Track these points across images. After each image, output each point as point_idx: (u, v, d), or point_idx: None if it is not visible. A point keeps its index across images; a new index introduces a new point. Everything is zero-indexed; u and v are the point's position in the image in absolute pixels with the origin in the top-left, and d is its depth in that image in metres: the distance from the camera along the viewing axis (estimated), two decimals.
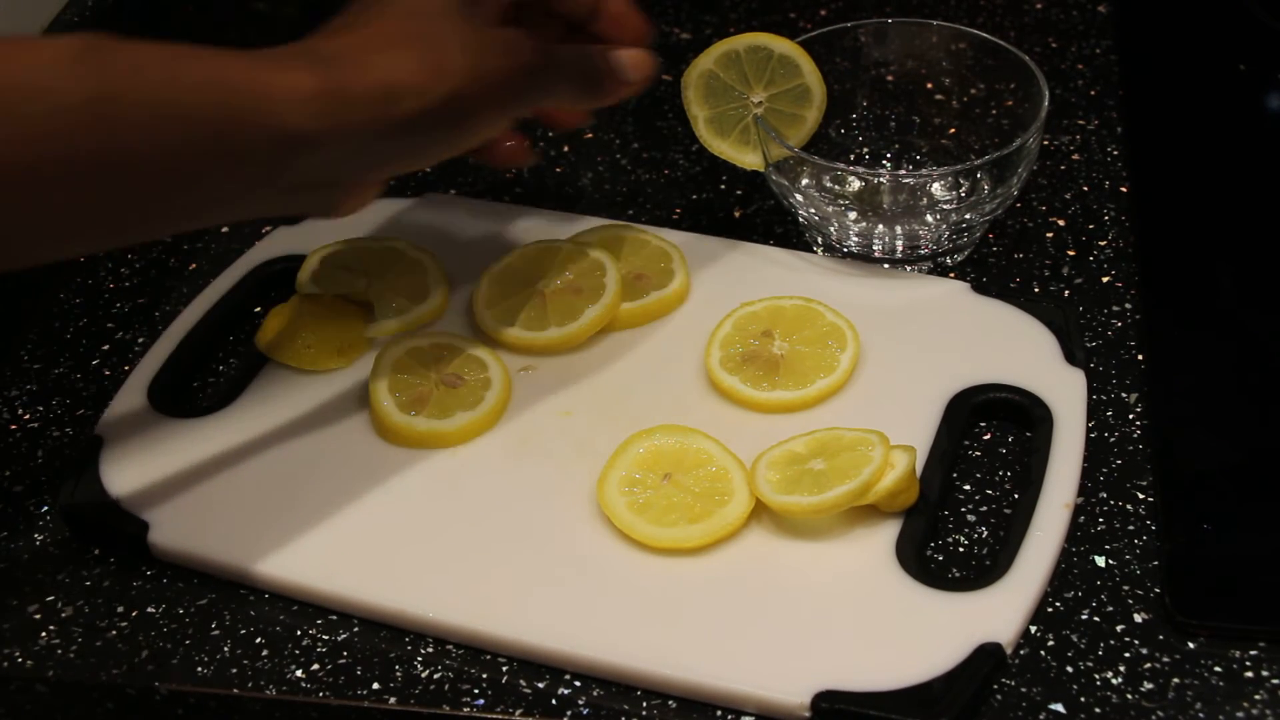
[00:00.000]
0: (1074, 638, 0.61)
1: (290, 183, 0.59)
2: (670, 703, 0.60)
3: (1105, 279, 0.77)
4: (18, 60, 0.51)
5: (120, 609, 0.65)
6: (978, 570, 0.64)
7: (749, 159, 0.77)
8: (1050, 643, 0.61)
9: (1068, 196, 0.83)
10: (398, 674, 0.62)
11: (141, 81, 0.54)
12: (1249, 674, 0.59)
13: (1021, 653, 0.61)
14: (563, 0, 0.70)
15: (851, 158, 0.83)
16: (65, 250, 0.58)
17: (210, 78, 0.56)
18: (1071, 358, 0.71)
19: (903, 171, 0.82)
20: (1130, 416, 0.70)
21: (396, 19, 0.61)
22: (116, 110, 0.53)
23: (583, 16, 0.70)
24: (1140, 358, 0.73)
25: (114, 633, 0.64)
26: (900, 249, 0.77)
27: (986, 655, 0.59)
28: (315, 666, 0.62)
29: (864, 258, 0.78)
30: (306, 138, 0.57)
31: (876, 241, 0.77)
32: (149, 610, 0.65)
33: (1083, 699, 0.59)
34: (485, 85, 0.62)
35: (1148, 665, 0.60)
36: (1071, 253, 0.79)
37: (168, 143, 0.54)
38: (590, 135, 0.90)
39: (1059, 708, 0.59)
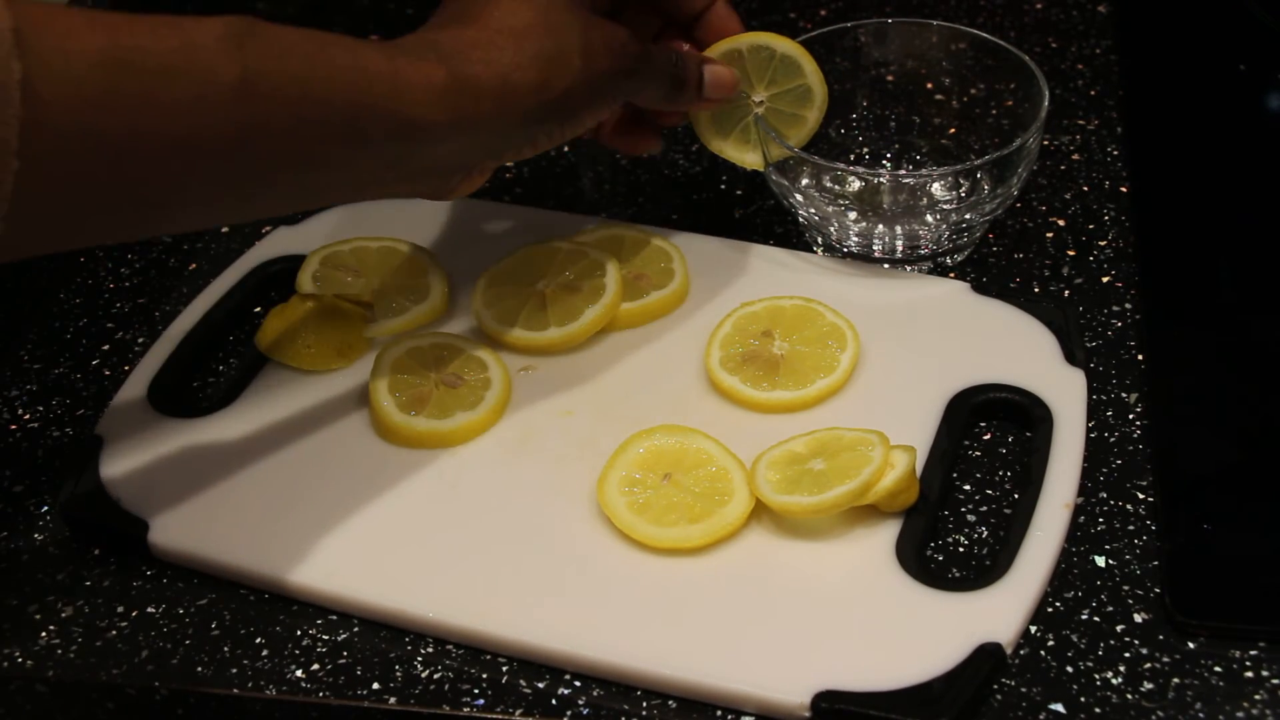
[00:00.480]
0: (1074, 638, 0.61)
1: (412, 169, 0.62)
2: (670, 703, 0.60)
3: (1105, 279, 0.77)
4: (173, 38, 0.53)
5: (120, 609, 0.65)
6: (978, 570, 0.64)
7: (749, 158, 0.76)
8: (1050, 643, 0.61)
9: (1068, 196, 0.83)
10: (398, 674, 0.62)
11: (288, 65, 0.56)
12: (1249, 674, 0.59)
13: (1021, 653, 0.61)
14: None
15: (851, 158, 0.83)
16: (198, 219, 0.60)
17: (350, 64, 0.59)
18: (1071, 358, 0.71)
19: (903, 171, 0.82)
20: (1130, 416, 0.70)
21: (511, 9, 0.63)
22: (263, 89, 0.55)
23: (690, 16, 0.74)
24: (1140, 358, 0.73)
25: (114, 633, 0.64)
26: (900, 249, 0.77)
27: (986, 655, 0.59)
28: (315, 666, 0.62)
29: (864, 258, 0.78)
30: (433, 128, 0.60)
31: (876, 241, 0.77)
32: (149, 610, 0.65)
33: (1083, 699, 0.59)
34: (594, 81, 0.64)
35: (1148, 665, 0.60)
36: (1071, 253, 0.79)
37: (306, 124, 0.57)
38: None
39: (1059, 708, 0.59)
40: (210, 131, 0.54)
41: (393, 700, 0.61)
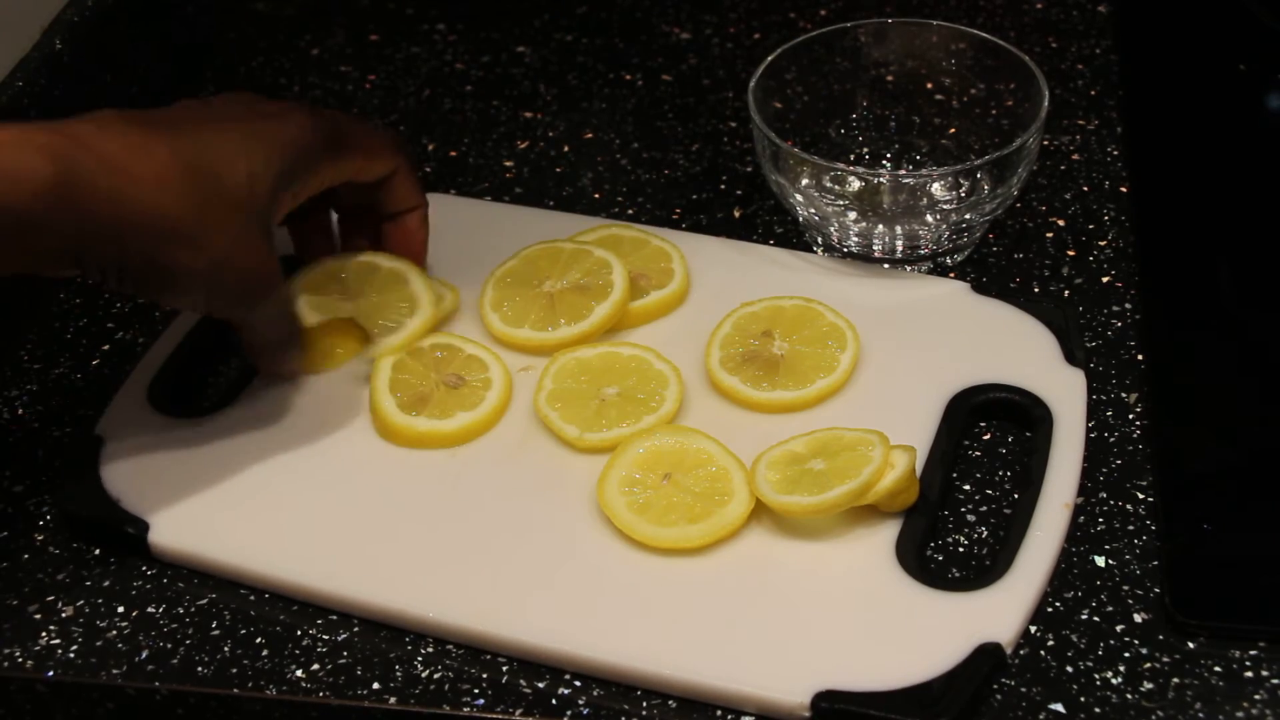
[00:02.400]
0: (1074, 638, 0.61)
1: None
2: (670, 703, 0.60)
3: (1105, 279, 0.77)
4: None
5: (120, 609, 0.65)
6: (978, 570, 0.64)
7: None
8: (1050, 643, 0.61)
9: (1068, 196, 0.83)
10: (398, 674, 0.62)
11: None
12: (1249, 674, 0.59)
13: (1021, 653, 0.61)
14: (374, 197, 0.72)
15: (851, 158, 0.83)
16: None
17: None
18: (1071, 358, 0.71)
19: (903, 171, 0.82)
20: (1130, 416, 0.70)
21: (200, 156, 0.62)
22: None
23: (385, 217, 0.74)
24: (1140, 358, 0.73)
25: (114, 633, 0.64)
26: (900, 249, 0.77)
27: (986, 655, 0.59)
28: (315, 666, 0.62)
29: (864, 258, 0.78)
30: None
31: (876, 241, 0.77)
32: (149, 610, 0.65)
33: (1083, 699, 0.59)
34: (184, 280, 0.62)
35: (1148, 665, 0.60)
36: (1071, 253, 0.79)
37: None
38: (590, 135, 0.90)
39: (1059, 708, 0.59)
40: None
41: (393, 700, 0.61)
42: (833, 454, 0.65)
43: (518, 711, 0.60)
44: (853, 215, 0.76)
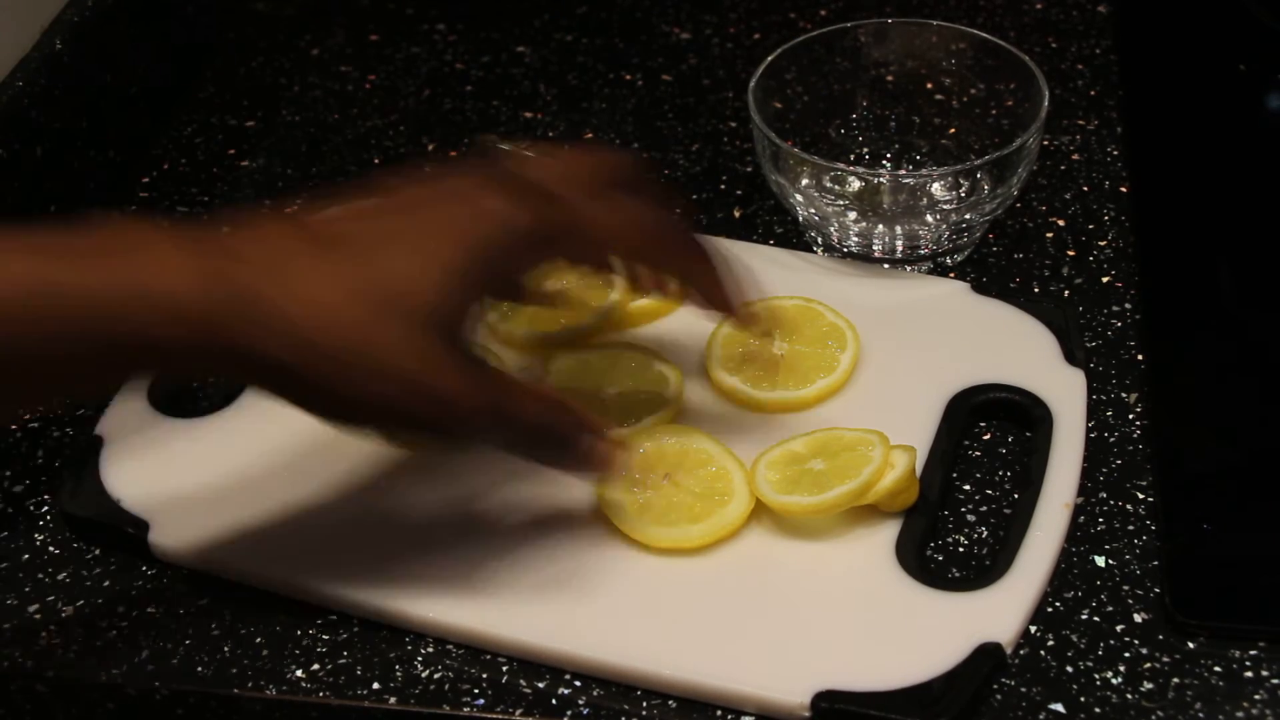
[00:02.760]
0: (1074, 638, 0.61)
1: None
2: (670, 703, 0.60)
3: (1105, 279, 0.77)
4: None
5: (120, 609, 0.65)
6: (978, 570, 0.64)
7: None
8: (1050, 643, 0.61)
9: (1068, 196, 0.83)
10: (398, 674, 0.62)
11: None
12: (1249, 674, 0.59)
13: (1021, 653, 0.61)
14: (647, 259, 0.62)
15: (851, 158, 0.83)
16: None
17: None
18: (1071, 358, 0.71)
19: (903, 171, 0.82)
20: (1130, 416, 0.70)
21: (367, 269, 0.54)
22: None
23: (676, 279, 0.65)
24: (1140, 358, 0.73)
25: (114, 633, 0.64)
26: (900, 249, 0.77)
27: (986, 655, 0.59)
28: (315, 666, 0.62)
29: (864, 258, 0.78)
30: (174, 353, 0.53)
31: (876, 241, 0.77)
32: (149, 610, 0.65)
33: (1083, 699, 0.59)
34: (402, 409, 0.55)
35: (1148, 665, 0.60)
36: (1071, 253, 0.79)
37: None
38: (590, 135, 0.90)
39: (1059, 708, 0.59)
40: None
41: (393, 700, 0.61)
42: (833, 454, 0.65)
43: (518, 711, 0.60)
44: (853, 215, 0.76)
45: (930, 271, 0.78)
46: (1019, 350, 0.72)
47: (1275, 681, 0.59)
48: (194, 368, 0.54)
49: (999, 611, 0.61)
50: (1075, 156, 0.85)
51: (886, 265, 0.78)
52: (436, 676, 0.62)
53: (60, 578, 0.67)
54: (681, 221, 0.63)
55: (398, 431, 0.57)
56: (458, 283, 0.55)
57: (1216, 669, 0.60)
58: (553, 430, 0.59)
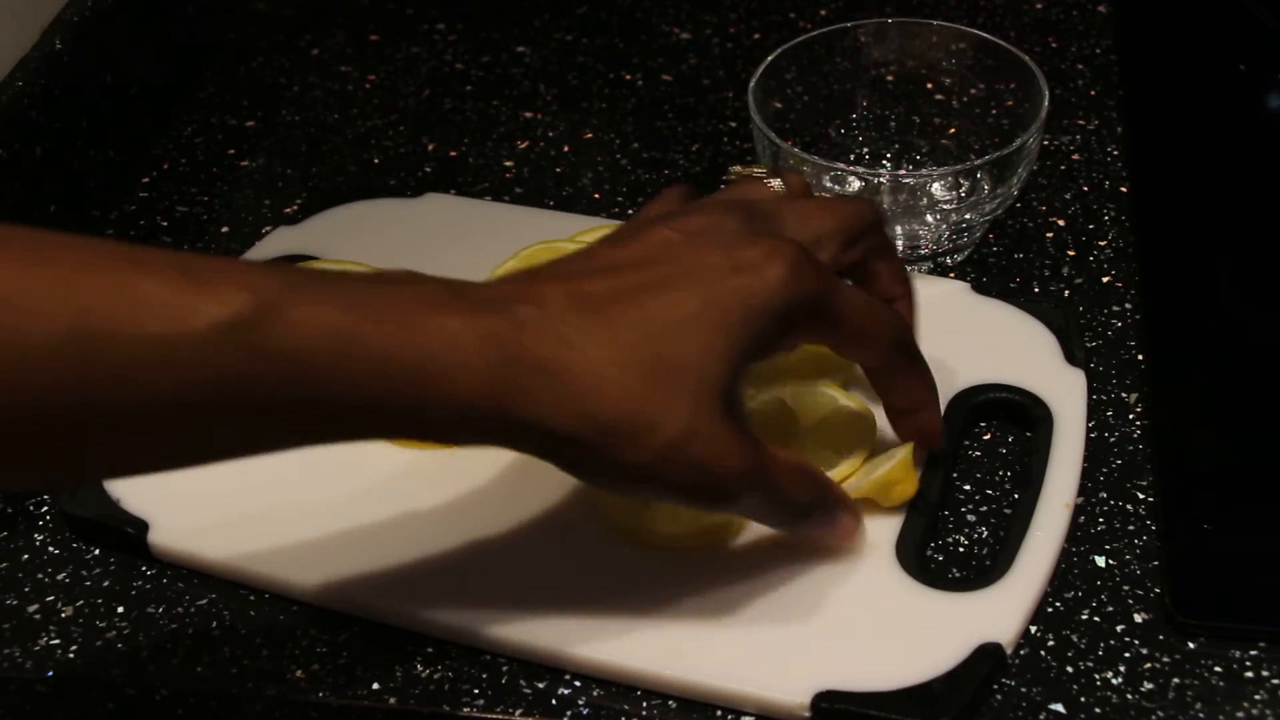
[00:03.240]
0: (1074, 638, 0.61)
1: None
2: (670, 703, 0.60)
3: (1105, 279, 0.77)
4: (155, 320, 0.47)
5: (120, 609, 0.65)
6: (978, 570, 0.64)
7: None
8: (1050, 643, 0.61)
9: (1068, 196, 0.83)
10: (398, 674, 0.62)
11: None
12: (1249, 674, 0.59)
13: (1021, 653, 0.61)
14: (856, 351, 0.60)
15: (851, 158, 0.83)
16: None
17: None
18: (1071, 358, 0.71)
19: (903, 171, 0.82)
20: (1130, 416, 0.70)
21: (645, 335, 0.53)
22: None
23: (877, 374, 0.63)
24: (1140, 358, 0.73)
25: (114, 633, 0.64)
26: (900, 249, 0.77)
27: (986, 655, 0.59)
28: (315, 666, 0.62)
29: None
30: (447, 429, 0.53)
31: None
32: (149, 610, 0.65)
33: (1083, 699, 0.59)
34: (678, 483, 0.54)
35: (1148, 665, 0.60)
36: (1071, 253, 0.79)
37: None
38: (590, 135, 0.90)
39: (1059, 708, 0.59)
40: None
41: (393, 700, 0.61)
42: (821, 425, 0.66)
43: (518, 711, 0.60)
44: None
45: (930, 271, 0.78)
46: (1019, 350, 0.72)
47: (1275, 681, 0.59)
48: (457, 435, 0.53)
49: (999, 611, 0.61)
50: (1075, 156, 0.85)
51: None
52: (436, 676, 0.62)
53: (60, 578, 0.67)
54: (914, 339, 0.63)
55: (663, 496, 0.56)
56: (739, 356, 0.54)
57: (1216, 669, 0.60)
58: (813, 507, 0.59)
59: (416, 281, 0.54)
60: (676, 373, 0.53)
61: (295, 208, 0.86)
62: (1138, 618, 0.62)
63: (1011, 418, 0.70)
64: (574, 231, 0.78)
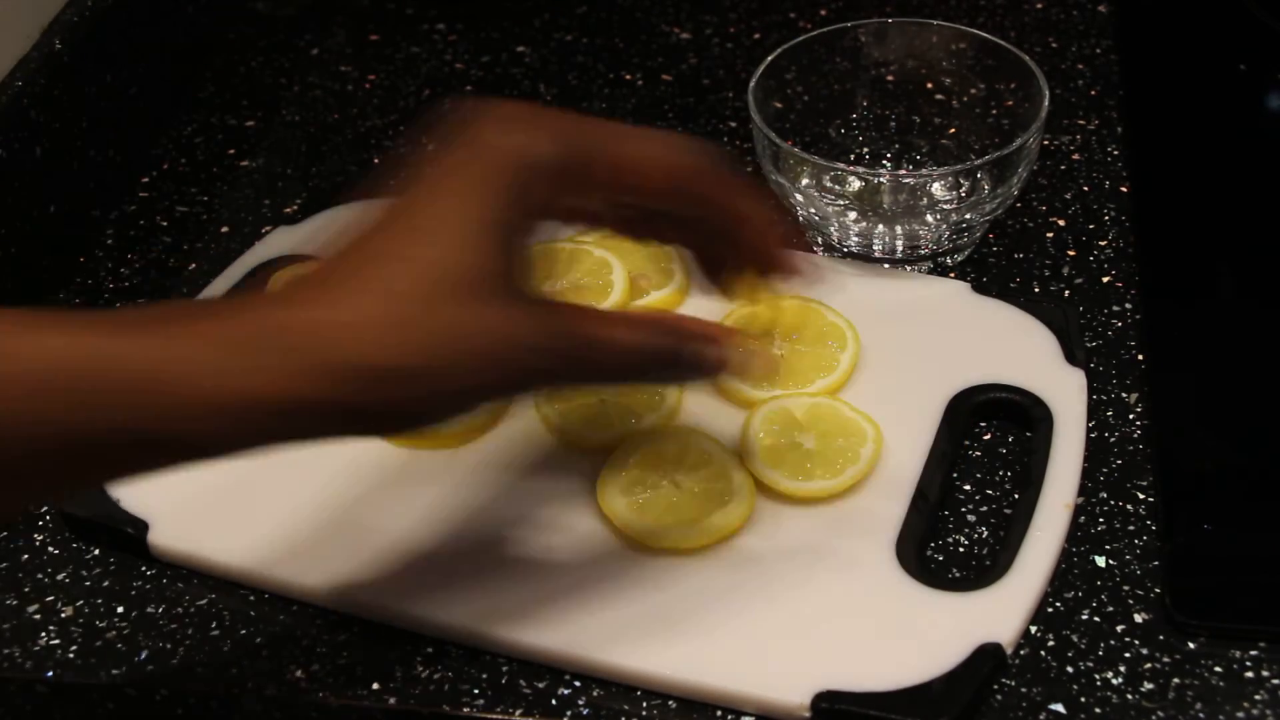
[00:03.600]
0: (1074, 638, 0.61)
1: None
2: (670, 703, 0.60)
3: (1105, 279, 0.77)
4: None
5: (120, 609, 0.65)
6: (978, 570, 0.64)
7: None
8: (1050, 643, 0.61)
9: (1068, 196, 0.83)
10: (398, 674, 0.62)
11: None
12: (1249, 674, 0.59)
13: (1021, 653, 0.61)
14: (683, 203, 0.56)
15: (851, 158, 0.83)
16: None
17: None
18: (1071, 358, 0.71)
19: (903, 171, 0.82)
20: (1130, 416, 0.70)
21: (375, 290, 0.49)
22: None
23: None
24: (1140, 358, 0.73)
25: (114, 633, 0.64)
26: (900, 249, 0.77)
27: (986, 655, 0.59)
28: (315, 666, 0.62)
29: (864, 258, 0.78)
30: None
31: (876, 241, 0.77)
32: (149, 610, 0.65)
33: (1083, 699, 0.59)
34: (492, 384, 0.51)
35: (1148, 665, 0.60)
36: (1071, 253, 0.79)
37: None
38: None
39: (1059, 708, 0.59)
40: None
41: (393, 700, 0.61)
42: (826, 432, 0.66)
43: (518, 711, 0.60)
44: (853, 215, 0.76)
45: (930, 271, 0.78)
46: (1019, 350, 0.72)
47: (1275, 681, 0.59)
48: (236, 443, 0.50)
49: (999, 611, 0.61)
50: (1075, 156, 0.85)
51: (886, 265, 0.78)
52: (436, 676, 0.62)
53: (60, 578, 0.67)
54: (723, 158, 0.57)
55: (501, 396, 0.53)
56: (493, 236, 0.51)
57: (1216, 669, 0.60)
58: (651, 351, 0.54)
59: (160, 305, 0.52)
60: (442, 286, 0.49)
61: (295, 208, 0.86)
62: (1138, 618, 0.62)
63: (1011, 418, 0.70)
64: (573, 231, 0.78)
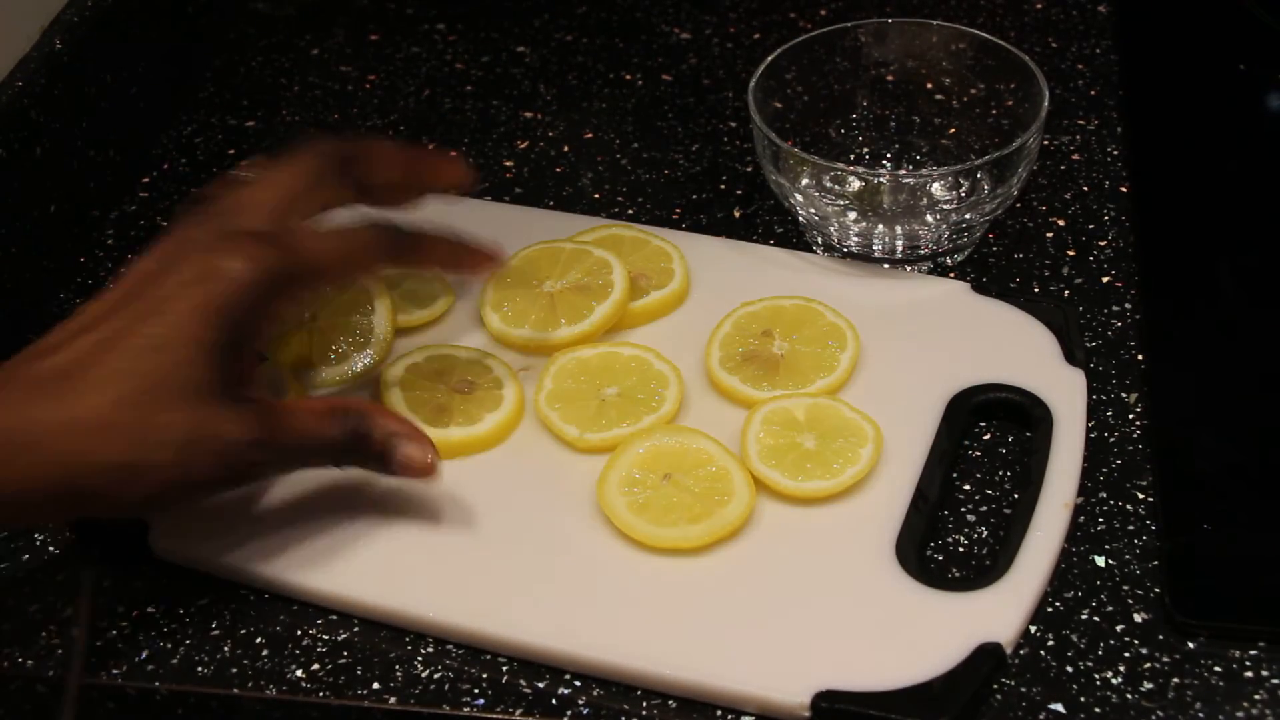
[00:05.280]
0: (1074, 638, 0.61)
1: None
2: (670, 703, 0.60)
3: (1105, 279, 0.77)
4: None
5: (120, 609, 0.65)
6: (978, 570, 0.64)
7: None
8: (1050, 643, 0.61)
9: (1068, 196, 0.83)
10: (398, 674, 0.62)
11: None
12: (1249, 674, 0.59)
13: (1021, 653, 0.61)
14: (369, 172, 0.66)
15: (851, 158, 0.83)
16: None
17: None
18: (1071, 358, 0.71)
19: (903, 171, 0.82)
20: (1130, 416, 0.70)
21: (98, 390, 0.57)
22: None
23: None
24: (1140, 358, 0.73)
25: (114, 633, 0.64)
26: (900, 249, 0.77)
27: (986, 655, 0.59)
28: (315, 666, 0.62)
29: (864, 258, 0.78)
30: None
31: (876, 241, 0.77)
32: (149, 610, 0.65)
33: (1083, 699, 0.59)
34: (197, 478, 0.59)
35: (1148, 665, 0.60)
36: (1071, 253, 0.79)
37: None
38: (590, 135, 0.90)
39: (1059, 708, 0.59)
40: None
41: (393, 700, 0.61)
42: (825, 432, 0.66)
43: (518, 711, 0.60)
44: (853, 215, 0.76)
45: (930, 271, 0.78)
46: (1019, 350, 0.72)
47: (1275, 681, 0.59)
48: None
49: (999, 611, 0.61)
50: (1075, 156, 0.85)
51: (886, 265, 0.78)
52: (436, 676, 0.62)
53: (60, 578, 0.67)
54: (386, 223, 0.66)
55: (208, 497, 0.62)
56: (205, 352, 0.58)
57: (1216, 669, 0.60)
58: (356, 439, 0.62)
59: None
60: (154, 397, 0.57)
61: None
62: (1138, 618, 0.62)
63: (1011, 418, 0.70)
64: (573, 231, 0.78)
